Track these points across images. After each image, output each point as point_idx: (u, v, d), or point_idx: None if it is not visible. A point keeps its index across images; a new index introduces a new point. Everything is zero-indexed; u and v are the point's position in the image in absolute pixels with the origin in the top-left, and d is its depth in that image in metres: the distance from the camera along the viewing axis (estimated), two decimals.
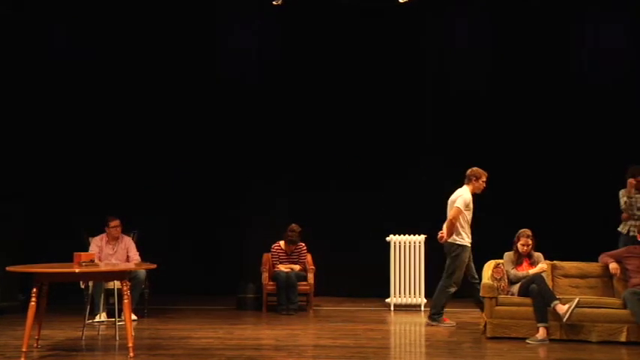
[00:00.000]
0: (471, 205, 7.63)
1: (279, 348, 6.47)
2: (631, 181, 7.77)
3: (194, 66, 10.33)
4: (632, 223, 7.79)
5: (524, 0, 9.44)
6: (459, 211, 7.51)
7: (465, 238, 7.56)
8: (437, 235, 7.67)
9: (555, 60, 10.03)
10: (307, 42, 10.32)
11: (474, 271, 7.61)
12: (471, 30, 10.26)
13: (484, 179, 7.69)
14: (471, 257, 7.66)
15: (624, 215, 7.88)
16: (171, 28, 10.26)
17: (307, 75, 10.32)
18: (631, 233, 7.75)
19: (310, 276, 8.85)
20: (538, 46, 10.06)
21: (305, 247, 9.01)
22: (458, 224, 7.52)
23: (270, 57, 10.39)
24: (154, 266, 6.80)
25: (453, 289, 7.53)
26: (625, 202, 7.83)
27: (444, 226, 7.63)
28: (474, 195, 7.67)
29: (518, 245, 7.24)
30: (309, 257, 9.02)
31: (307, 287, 8.81)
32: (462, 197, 7.57)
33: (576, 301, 6.62)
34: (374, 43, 10.22)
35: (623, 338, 6.61)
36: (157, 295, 8.66)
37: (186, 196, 10.30)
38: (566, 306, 6.63)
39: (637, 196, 7.80)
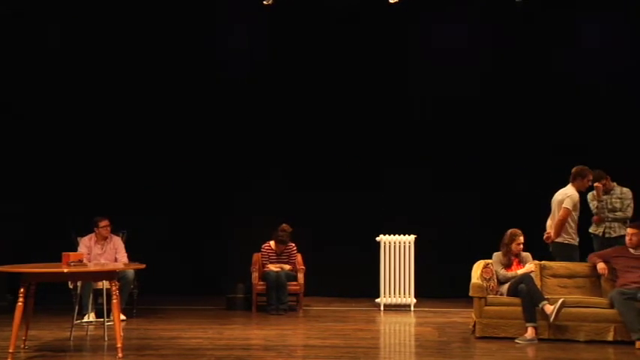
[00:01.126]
0: (578, 205, 7.58)
1: (269, 348, 6.47)
2: (598, 185, 7.87)
3: (184, 66, 10.32)
4: (607, 224, 7.89)
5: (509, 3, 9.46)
6: (568, 212, 7.45)
7: (574, 238, 7.54)
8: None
9: (541, 64, 10.07)
10: (297, 42, 10.33)
11: None
12: (457, 33, 10.28)
13: (590, 178, 7.63)
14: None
15: (595, 218, 7.99)
16: (164, 28, 10.23)
17: (299, 75, 10.33)
18: (606, 234, 7.87)
19: (300, 276, 8.85)
20: (523, 50, 10.11)
21: (295, 248, 9.01)
22: (567, 224, 7.50)
23: (260, 57, 10.39)
24: (142, 266, 6.78)
25: None
26: (596, 207, 7.96)
27: (549, 226, 7.64)
28: (580, 193, 7.62)
29: (514, 245, 7.25)
30: (299, 257, 9.02)
31: (297, 287, 8.81)
32: (570, 197, 7.49)
33: (560, 301, 6.65)
34: (360, 44, 10.24)
35: (610, 337, 6.65)
36: (146, 296, 8.64)
37: (176, 196, 10.28)
38: (552, 308, 6.66)
39: (605, 197, 7.89)
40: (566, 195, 7.50)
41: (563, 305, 6.65)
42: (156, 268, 7.77)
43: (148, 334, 7.15)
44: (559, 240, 7.51)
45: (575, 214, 7.51)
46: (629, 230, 7.12)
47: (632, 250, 7.06)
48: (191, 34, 10.30)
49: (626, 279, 6.94)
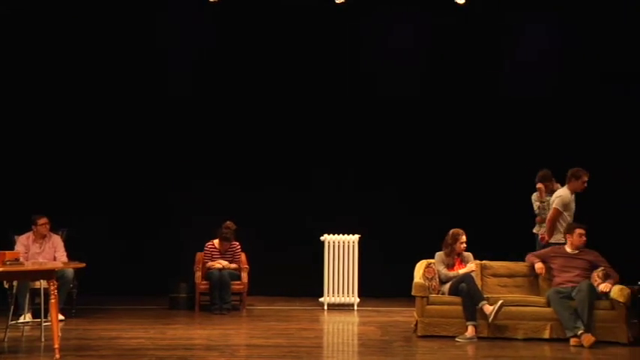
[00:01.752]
0: (572, 205, 7.60)
1: (211, 348, 6.41)
2: (540, 186, 8.00)
3: (124, 64, 10.14)
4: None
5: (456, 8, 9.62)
6: (557, 212, 7.50)
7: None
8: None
9: (482, 68, 10.28)
10: (241, 40, 10.25)
11: None
12: (403, 33, 10.39)
13: (585, 179, 7.62)
14: None
15: (538, 219, 8.11)
16: (105, 26, 10.03)
17: (241, 74, 10.26)
18: None
19: (244, 275, 8.81)
20: (466, 52, 10.30)
21: (239, 246, 8.96)
22: (558, 225, 7.54)
23: (202, 55, 10.26)
24: (82, 265, 6.63)
25: None
26: (538, 207, 8.07)
27: (546, 228, 7.68)
28: (576, 194, 7.65)
29: (457, 245, 7.35)
30: (243, 256, 8.97)
31: (241, 286, 8.76)
32: (560, 198, 7.54)
33: (499, 303, 6.78)
34: (304, 43, 10.25)
35: (546, 335, 6.82)
36: (86, 295, 8.44)
37: (118, 194, 10.10)
38: (492, 307, 6.79)
39: (548, 198, 7.99)
40: (557, 196, 7.59)
41: (502, 306, 6.79)
42: (97, 268, 7.63)
43: (87, 334, 7.00)
44: (553, 240, 7.57)
45: (568, 215, 7.54)
46: (580, 230, 7.25)
47: (569, 250, 7.26)
48: (134, 33, 10.11)
49: (563, 278, 7.13)
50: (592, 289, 6.83)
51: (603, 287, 6.85)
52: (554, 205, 7.50)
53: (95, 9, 9.96)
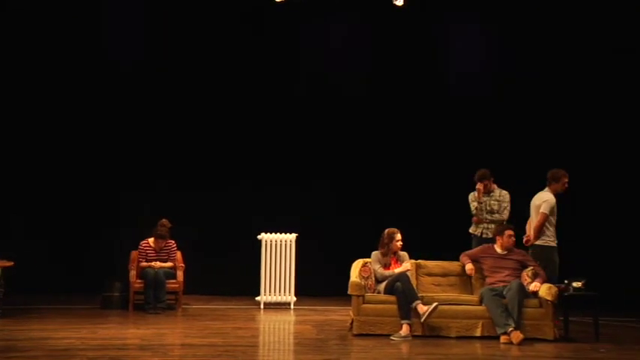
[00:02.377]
0: (555, 208, 7.63)
1: (145, 347, 6.31)
2: (479, 186, 8.12)
3: (65, 62, 9.93)
4: (485, 225, 8.14)
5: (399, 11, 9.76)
6: (545, 217, 7.52)
7: (552, 240, 7.60)
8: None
9: (422, 68, 10.45)
10: (178, 40, 10.15)
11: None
12: (342, 34, 10.47)
13: (565, 180, 7.65)
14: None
15: (474, 219, 8.22)
16: (46, 24, 9.82)
17: (180, 73, 10.16)
18: (484, 235, 8.12)
19: (180, 274, 8.70)
20: (409, 53, 10.45)
21: (175, 245, 8.85)
22: (545, 227, 7.57)
23: (142, 53, 10.12)
24: (10, 264, 6.43)
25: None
26: (475, 207, 8.18)
27: (528, 230, 7.69)
28: (556, 196, 7.70)
29: (393, 243, 7.43)
30: (179, 255, 8.86)
31: (176, 285, 8.66)
32: (547, 202, 7.54)
33: (434, 305, 6.90)
34: (249, 43, 10.23)
35: (478, 333, 6.99)
36: (14, 295, 8.17)
37: (49, 193, 9.87)
38: (426, 307, 6.90)
39: (485, 199, 8.14)
40: (542, 200, 7.61)
41: (435, 309, 6.90)
42: (26, 267, 7.42)
43: (14, 334, 6.78)
44: (538, 243, 7.62)
45: (553, 218, 7.62)
46: (510, 232, 7.42)
47: (498, 250, 7.45)
48: (71, 30, 9.90)
49: (494, 278, 7.31)
50: (522, 288, 7.03)
51: (533, 287, 7.05)
52: (541, 210, 7.53)
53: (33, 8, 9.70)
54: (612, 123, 9.87)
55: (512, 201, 8.07)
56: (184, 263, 8.80)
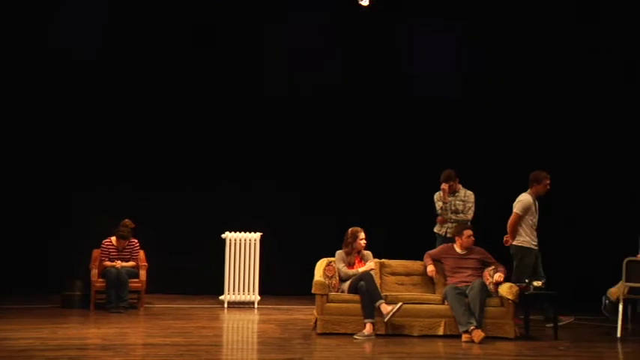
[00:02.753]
0: (533, 209, 7.71)
1: (106, 347, 6.22)
2: (444, 186, 8.19)
3: (22, 60, 9.80)
4: (449, 225, 8.21)
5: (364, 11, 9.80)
6: (517, 217, 7.65)
7: (527, 241, 7.68)
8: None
9: (390, 70, 10.52)
10: (135, 37, 10.07)
11: (541, 275, 7.69)
12: (307, 34, 10.48)
13: (547, 182, 7.74)
14: (539, 263, 7.77)
15: (440, 218, 8.29)
16: None
17: (136, 71, 10.08)
18: (448, 235, 8.17)
19: (142, 273, 8.63)
20: (374, 53, 10.51)
21: (138, 244, 8.76)
22: (520, 228, 7.66)
23: (94, 49, 9.98)
24: None
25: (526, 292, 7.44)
26: (440, 207, 8.24)
27: (508, 232, 7.77)
28: (539, 197, 7.78)
29: (357, 242, 7.46)
30: (141, 254, 8.78)
31: (139, 284, 8.58)
32: (520, 202, 7.67)
33: (398, 306, 6.94)
34: (214, 42, 10.19)
35: (440, 332, 7.04)
36: None
37: (8, 191, 9.72)
38: (390, 307, 6.94)
39: (450, 199, 8.20)
40: (517, 200, 7.75)
41: (400, 309, 6.94)
42: None
43: None
44: (515, 243, 7.74)
45: (530, 218, 7.71)
46: (468, 232, 7.49)
47: (458, 250, 7.52)
48: (21, 22, 9.73)
49: (456, 278, 7.37)
50: (484, 287, 7.10)
51: (497, 277, 7.16)
52: (514, 210, 7.69)
53: None
54: (580, 123, 9.95)
55: (478, 201, 8.16)
56: (147, 262, 8.72)
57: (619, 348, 6.83)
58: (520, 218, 7.70)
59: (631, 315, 7.74)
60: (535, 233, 7.80)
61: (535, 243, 7.77)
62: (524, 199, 7.72)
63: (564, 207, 9.67)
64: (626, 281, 7.24)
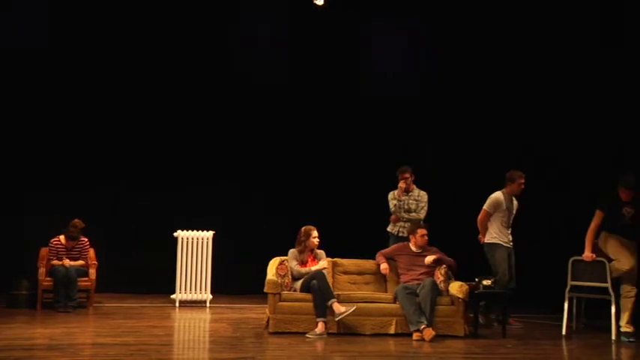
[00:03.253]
0: (504, 207, 7.74)
1: (53, 347, 6.10)
2: (401, 185, 8.26)
3: None
4: (401, 224, 8.31)
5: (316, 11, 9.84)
6: (484, 213, 7.73)
7: (496, 237, 7.72)
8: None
9: (345, 69, 10.57)
10: (85, 34, 9.94)
11: (512, 278, 7.75)
12: (263, 32, 10.49)
13: (521, 181, 7.78)
14: (512, 263, 7.79)
15: (393, 217, 8.36)
16: None
17: (86, 68, 9.96)
18: (400, 234, 8.28)
19: (92, 272, 8.49)
20: (329, 53, 10.55)
21: (88, 242, 8.62)
22: (490, 225, 7.72)
23: (40, 46, 9.80)
24: None
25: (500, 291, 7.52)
26: (394, 205, 8.31)
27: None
28: (516, 196, 7.84)
29: (311, 240, 7.46)
30: (91, 252, 8.64)
31: (88, 283, 8.44)
32: (489, 199, 7.76)
33: (352, 309, 6.98)
34: (167, 41, 10.09)
35: (392, 330, 7.11)
36: None
37: None
38: (344, 308, 6.96)
39: (404, 198, 8.29)
40: (489, 197, 7.84)
41: (352, 312, 6.98)
42: None
43: None
44: (485, 240, 7.83)
45: (502, 216, 7.77)
46: (423, 231, 7.58)
47: (413, 249, 7.61)
48: None
49: (409, 276, 7.46)
50: (435, 286, 7.19)
51: (428, 258, 7.34)
52: (484, 207, 7.80)
53: None
54: (540, 122, 9.95)
55: (432, 200, 8.25)
56: (97, 261, 8.58)
57: (564, 345, 7.00)
58: (488, 215, 7.80)
59: (576, 313, 7.93)
60: (507, 232, 7.86)
61: (506, 241, 7.85)
62: (494, 196, 7.81)
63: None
64: (572, 280, 7.42)
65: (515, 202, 7.97)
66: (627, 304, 7.12)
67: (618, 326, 7.18)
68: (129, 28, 10.00)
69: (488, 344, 6.84)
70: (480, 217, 7.85)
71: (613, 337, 7.15)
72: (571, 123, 9.63)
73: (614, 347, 6.89)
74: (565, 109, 9.74)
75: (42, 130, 9.81)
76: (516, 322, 7.92)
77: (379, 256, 7.74)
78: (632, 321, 7.10)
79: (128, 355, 5.88)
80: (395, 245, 7.90)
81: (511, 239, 7.89)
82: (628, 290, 7.13)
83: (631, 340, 7.01)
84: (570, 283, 7.43)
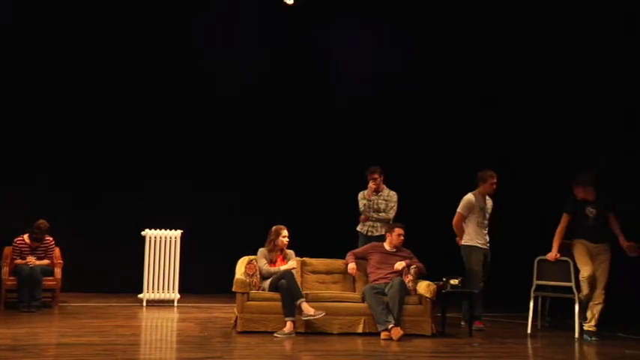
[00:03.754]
0: (478, 207, 7.74)
1: (17, 348, 5.99)
2: (371, 185, 8.28)
3: None
4: (370, 224, 8.34)
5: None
6: (459, 216, 7.72)
7: (472, 240, 7.71)
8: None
9: (313, 69, 10.60)
10: (48, 30, 9.79)
11: (484, 277, 7.76)
12: (230, 32, 10.47)
13: (492, 180, 7.76)
14: (486, 263, 7.79)
15: (362, 217, 8.38)
16: None
17: (59, 68, 9.85)
18: (369, 233, 8.31)
19: (58, 271, 8.38)
20: (297, 53, 10.56)
21: (53, 241, 8.50)
22: (465, 227, 7.71)
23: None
24: None
25: (476, 291, 7.53)
26: (364, 205, 8.33)
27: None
28: (490, 195, 7.85)
29: (281, 239, 7.45)
30: (57, 251, 8.52)
31: (54, 282, 8.33)
32: (462, 201, 7.75)
33: (321, 315, 6.97)
34: (134, 40, 10.02)
35: (360, 329, 7.14)
36: None
37: None
38: (312, 311, 6.96)
39: (374, 198, 8.31)
40: (462, 199, 7.83)
41: (320, 318, 6.99)
42: None
43: None
44: (463, 242, 7.83)
45: (477, 217, 7.76)
46: (399, 230, 7.59)
47: (387, 248, 7.64)
48: None
49: (377, 274, 7.50)
50: (403, 285, 7.23)
51: (398, 265, 7.38)
52: (458, 210, 7.80)
53: None
54: (510, 120, 9.99)
55: (403, 201, 8.29)
56: (63, 260, 8.47)
57: (528, 343, 7.10)
58: (462, 217, 7.80)
59: (541, 311, 8.04)
60: (483, 232, 7.87)
61: (483, 242, 7.86)
62: (466, 198, 7.81)
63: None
64: (537, 279, 7.53)
65: (489, 202, 8.01)
66: (593, 309, 7.21)
67: (581, 325, 7.29)
68: (94, 19, 9.89)
69: (455, 343, 6.91)
70: (454, 220, 7.85)
71: (576, 336, 7.27)
72: (541, 122, 9.72)
73: (577, 345, 7.01)
74: (535, 109, 9.81)
75: (2, 124, 9.63)
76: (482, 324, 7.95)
77: (349, 256, 7.76)
78: (597, 323, 7.21)
79: (94, 355, 5.81)
80: (368, 245, 7.90)
81: (488, 240, 7.92)
82: (596, 296, 7.21)
83: (593, 339, 7.13)
84: (535, 282, 7.54)
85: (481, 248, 7.81)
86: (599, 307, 7.16)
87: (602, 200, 7.32)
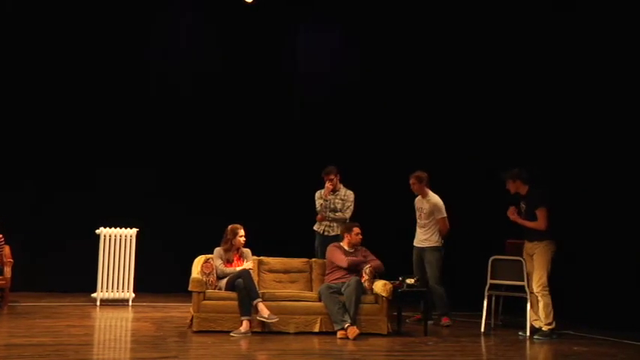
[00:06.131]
0: (416, 206, 8.14)
1: None
2: (328, 185, 8.28)
3: None
4: (327, 223, 8.34)
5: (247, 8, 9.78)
6: (445, 219, 8.09)
7: (439, 241, 8.08)
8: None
9: (273, 69, 10.58)
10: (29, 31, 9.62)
11: (424, 276, 7.92)
12: (188, 31, 10.38)
13: (411, 181, 8.13)
14: (422, 261, 8.04)
15: (319, 216, 8.38)
16: None
17: (31, 68, 9.65)
18: (326, 233, 8.32)
19: (7, 270, 8.18)
20: (257, 52, 10.53)
21: (2, 239, 8.30)
22: (432, 230, 8.08)
23: None
24: None
25: (423, 289, 7.64)
26: (321, 205, 8.33)
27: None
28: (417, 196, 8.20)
29: (238, 239, 7.42)
30: (6, 249, 8.32)
31: (3, 282, 8.14)
32: (441, 205, 8.11)
33: (274, 320, 6.96)
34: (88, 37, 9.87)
35: (316, 329, 7.15)
36: None
37: None
38: (267, 313, 6.95)
39: (330, 197, 8.31)
40: (435, 203, 8.09)
41: (274, 321, 6.97)
42: None
43: None
44: (433, 244, 8.13)
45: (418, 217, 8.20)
46: (357, 229, 7.63)
47: (346, 247, 7.66)
48: None
49: (335, 275, 7.52)
50: (359, 285, 7.27)
51: (366, 273, 7.42)
52: (442, 215, 8.04)
53: None
54: (465, 122, 9.99)
55: (359, 200, 8.32)
56: (13, 258, 8.28)
57: (482, 342, 7.21)
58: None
59: (494, 310, 8.17)
60: (418, 231, 8.27)
61: (415, 240, 8.28)
62: (440, 200, 8.13)
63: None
64: (491, 279, 7.65)
65: (427, 204, 8.21)
66: (540, 306, 7.36)
67: (532, 324, 7.45)
68: (44, 16, 9.69)
69: (410, 342, 6.98)
70: (444, 225, 8.09)
71: (527, 334, 7.41)
72: (496, 120, 9.79)
73: (528, 343, 7.16)
74: (490, 107, 9.84)
75: None
76: (448, 319, 8.05)
77: (344, 263, 7.54)
78: (547, 322, 7.35)
79: (44, 355, 5.70)
80: (329, 249, 7.73)
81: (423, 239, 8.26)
82: (537, 292, 7.38)
83: (544, 337, 7.28)
84: (489, 281, 7.66)
85: (415, 247, 8.23)
86: (540, 304, 7.32)
87: (531, 195, 7.47)
